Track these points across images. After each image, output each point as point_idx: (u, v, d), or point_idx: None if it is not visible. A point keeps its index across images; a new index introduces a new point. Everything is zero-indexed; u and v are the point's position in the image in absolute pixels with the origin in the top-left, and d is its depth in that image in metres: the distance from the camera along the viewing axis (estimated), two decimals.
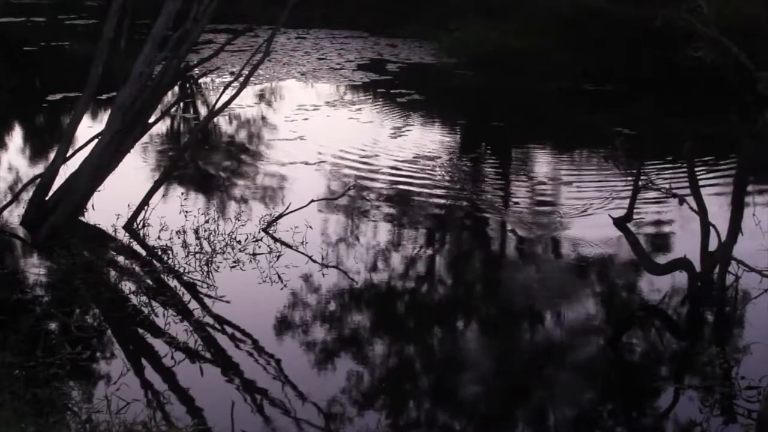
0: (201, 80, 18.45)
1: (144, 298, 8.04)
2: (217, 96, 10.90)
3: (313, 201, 10.14)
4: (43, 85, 17.16)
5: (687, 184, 8.53)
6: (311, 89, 17.73)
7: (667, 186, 8.91)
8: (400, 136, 14.23)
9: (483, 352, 7.57)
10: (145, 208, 9.77)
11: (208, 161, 12.80)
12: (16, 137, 14.54)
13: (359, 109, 15.89)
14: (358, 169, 12.21)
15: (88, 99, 9.98)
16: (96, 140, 9.81)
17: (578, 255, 9.14)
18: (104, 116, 12.05)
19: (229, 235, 9.40)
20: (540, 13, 18.87)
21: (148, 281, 8.52)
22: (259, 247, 9.20)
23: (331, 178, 11.78)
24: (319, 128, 14.49)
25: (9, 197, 10.33)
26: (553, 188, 11.78)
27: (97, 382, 6.63)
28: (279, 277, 8.55)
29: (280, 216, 9.78)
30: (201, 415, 6.25)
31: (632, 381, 7.03)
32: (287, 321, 7.81)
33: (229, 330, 7.55)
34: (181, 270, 8.66)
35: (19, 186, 10.59)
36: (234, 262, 8.85)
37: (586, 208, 10.40)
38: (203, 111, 16.09)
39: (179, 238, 9.36)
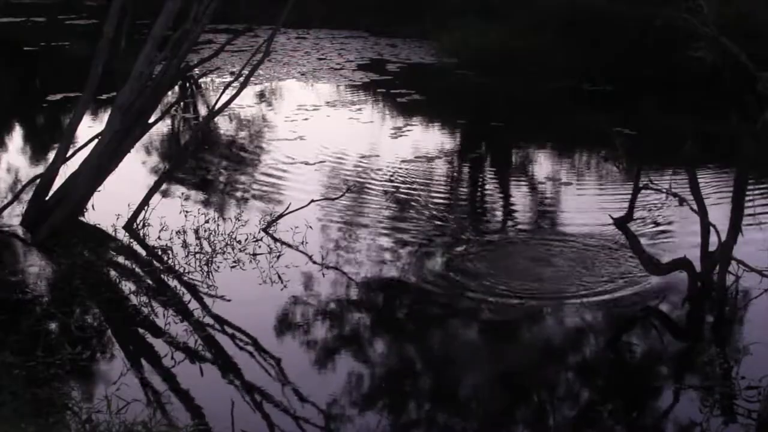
0: (201, 80, 18.45)
1: (144, 298, 8.04)
2: (217, 96, 10.91)
3: (313, 201, 10.14)
4: (43, 85, 17.16)
5: (687, 183, 8.52)
6: (311, 89, 17.73)
7: (667, 186, 8.90)
8: (401, 136, 14.23)
9: (482, 352, 7.57)
10: (145, 208, 9.77)
11: (209, 161, 12.80)
12: (16, 137, 14.55)
13: (359, 109, 15.89)
14: (358, 169, 12.22)
15: (88, 99, 9.98)
16: (96, 140, 9.81)
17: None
18: (104, 116, 12.05)
19: (229, 235, 9.40)
20: (540, 13, 18.86)
21: (148, 281, 8.53)
22: (259, 247, 9.20)
23: (331, 178, 11.78)
24: (319, 128, 14.49)
25: (9, 197, 10.34)
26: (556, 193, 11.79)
27: (97, 382, 6.63)
28: (279, 277, 8.55)
29: (280, 216, 9.78)
30: (201, 415, 6.25)
31: (632, 381, 7.03)
32: (287, 321, 7.82)
33: (229, 330, 7.56)
34: (181, 270, 8.66)
35: (19, 186, 10.59)
36: (234, 262, 8.85)
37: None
38: (203, 111, 16.09)
39: (179, 238, 9.36)
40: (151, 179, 10.72)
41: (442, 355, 7.49)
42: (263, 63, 10.89)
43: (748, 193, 8.41)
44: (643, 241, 8.76)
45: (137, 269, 8.81)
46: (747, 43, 8.95)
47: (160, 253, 9.09)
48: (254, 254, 9.01)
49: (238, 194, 11.23)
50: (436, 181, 12.04)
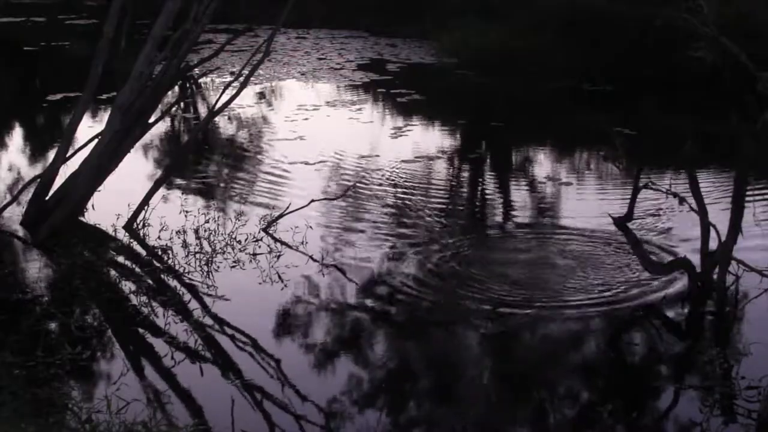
0: (201, 80, 18.45)
1: (144, 298, 8.04)
2: (217, 96, 10.91)
3: (313, 201, 10.14)
4: (43, 85, 17.16)
5: (687, 183, 8.52)
6: (311, 89, 17.73)
7: (667, 186, 8.90)
8: (401, 136, 14.23)
9: (482, 352, 7.57)
10: (145, 208, 9.77)
11: (209, 161, 12.80)
12: (16, 137, 14.55)
13: (359, 109, 15.89)
14: (358, 168, 12.21)
15: (88, 99, 9.99)
16: (96, 140, 9.81)
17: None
18: (104, 116, 12.06)
19: (229, 235, 9.40)
20: (540, 13, 18.86)
21: (148, 281, 8.53)
22: (259, 247, 9.21)
23: (331, 178, 11.78)
24: (320, 128, 14.49)
25: (9, 197, 10.34)
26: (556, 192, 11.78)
27: (97, 382, 6.64)
28: (279, 276, 8.55)
29: (280, 216, 9.78)
30: (201, 415, 6.25)
31: (632, 381, 7.04)
32: (287, 321, 7.82)
33: (229, 330, 7.56)
34: (181, 270, 8.67)
35: (19, 186, 10.59)
36: (234, 262, 8.85)
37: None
38: (203, 111, 16.09)
39: (179, 238, 9.36)
40: (151, 179, 10.72)
41: (442, 354, 7.48)
42: (263, 63, 10.90)
43: (747, 193, 8.40)
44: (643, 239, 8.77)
45: (137, 269, 8.81)
46: (747, 43, 8.95)
47: (160, 253, 9.09)
48: (254, 254, 9.01)
49: (238, 194, 11.22)
50: (436, 181, 12.03)
